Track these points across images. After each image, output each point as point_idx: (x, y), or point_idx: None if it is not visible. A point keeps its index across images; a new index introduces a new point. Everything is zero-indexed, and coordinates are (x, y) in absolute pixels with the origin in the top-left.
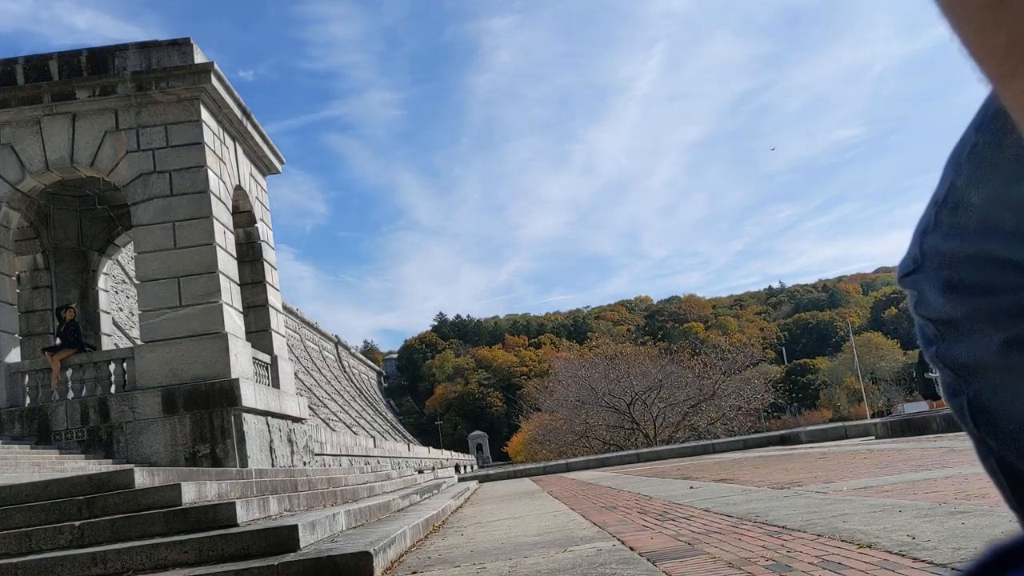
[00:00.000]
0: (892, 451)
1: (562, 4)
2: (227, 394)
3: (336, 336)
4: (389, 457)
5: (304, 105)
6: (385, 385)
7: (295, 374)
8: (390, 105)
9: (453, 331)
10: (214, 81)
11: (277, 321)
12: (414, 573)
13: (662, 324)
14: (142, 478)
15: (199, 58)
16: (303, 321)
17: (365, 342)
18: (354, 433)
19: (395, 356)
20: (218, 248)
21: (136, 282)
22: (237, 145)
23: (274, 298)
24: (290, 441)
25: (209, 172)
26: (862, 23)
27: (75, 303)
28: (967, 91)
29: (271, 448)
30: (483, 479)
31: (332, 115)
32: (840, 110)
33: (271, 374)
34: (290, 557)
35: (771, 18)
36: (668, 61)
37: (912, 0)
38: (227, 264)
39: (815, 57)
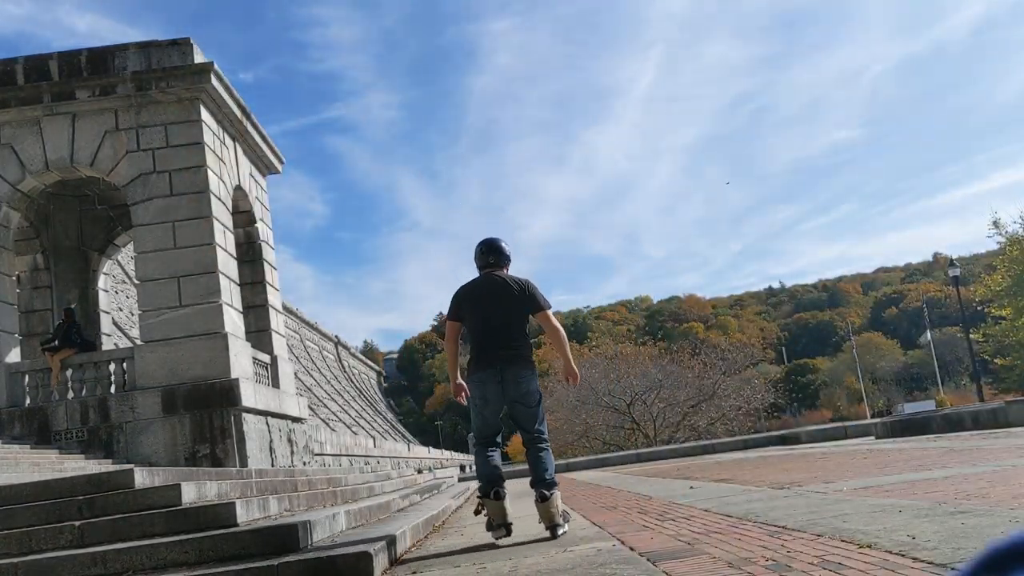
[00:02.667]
0: (892, 451)
1: (560, 7)
2: (227, 394)
3: (336, 336)
4: (389, 457)
5: (304, 107)
6: (385, 385)
7: (295, 374)
8: (390, 107)
9: None
10: (214, 81)
11: (277, 321)
12: (414, 573)
13: (662, 324)
14: (142, 478)
15: (199, 58)
16: (303, 321)
17: (365, 342)
18: (354, 433)
19: (395, 356)
20: (218, 248)
21: (136, 282)
22: (237, 145)
23: (274, 298)
24: (290, 441)
25: (209, 172)
26: (859, 25)
27: (75, 303)
28: (964, 92)
29: (271, 448)
30: None
31: (332, 117)
32: (838, 111)
33: (271, 374)
34: (290, 557)
35: (769, 20)
36: (666, 63)
37: (909, 2)
38: (227, 264)
39: (813, 59)
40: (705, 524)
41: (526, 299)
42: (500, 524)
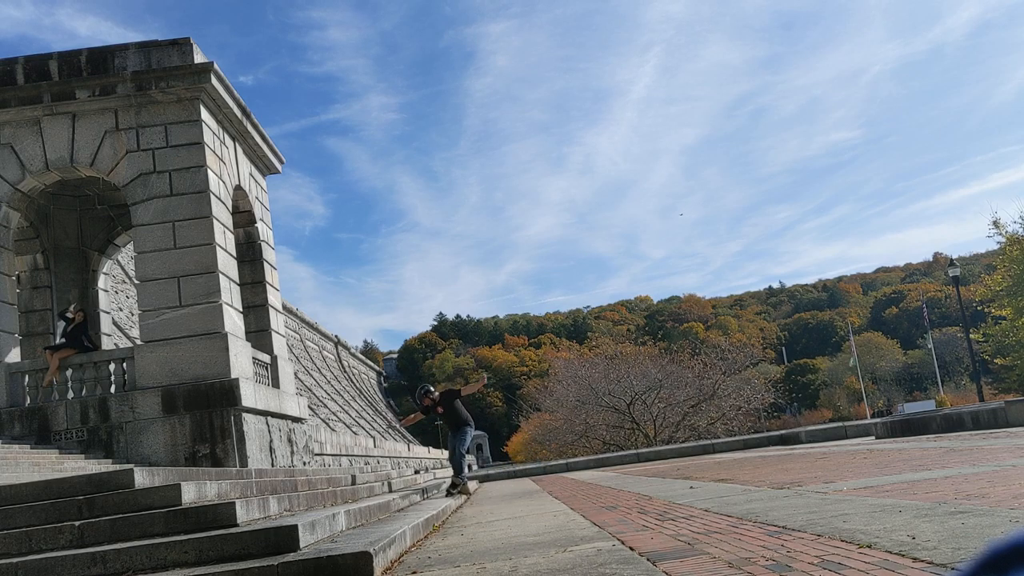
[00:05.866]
0: (892, 451)
1: (558, 9)
2: (227, 394)
3: (336, 336)
4: (389, 457)
5: (303, 109)
6: (385, 385)
7: (295, 374)
8: (389, 109)
9: (453, 331)
10: (214, 81)
11: (277, 321)
12: (414, 573)
13: (662, 324)
14: (142, 478)
15: (199, 58)
16: (303, 321)
17: (365, 342)
18: (354, 433)
19: (395, 356)
20: (218, 248)
21: (136, 282)
22: (237, 145)
23: (274, 298)
24: (290, 441)
25: (209, 172)
26: (857, 26)
27: (75, 303)
28: (962, 93)
29: (271, 448)
30: (483, 479)
31: (331, 118)
32: (836, 112)
33: (271, 374)
34: (290, 557)
35: (766, 22)
36: (664, 65)
37: (906, 3)
38: (227, 264)
39: (811, 60)
40: (705, 524)
41: None
42: (465, 492)
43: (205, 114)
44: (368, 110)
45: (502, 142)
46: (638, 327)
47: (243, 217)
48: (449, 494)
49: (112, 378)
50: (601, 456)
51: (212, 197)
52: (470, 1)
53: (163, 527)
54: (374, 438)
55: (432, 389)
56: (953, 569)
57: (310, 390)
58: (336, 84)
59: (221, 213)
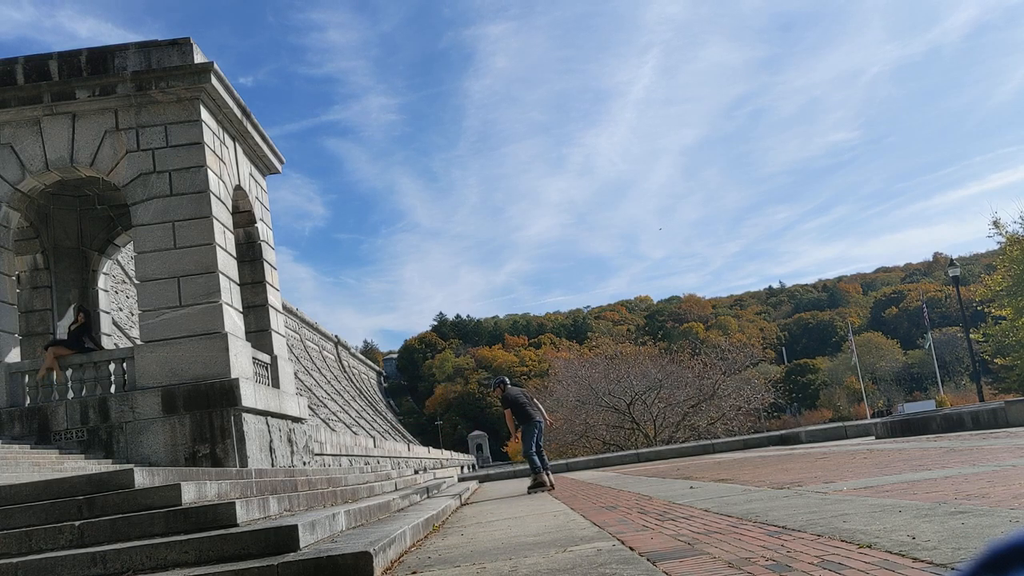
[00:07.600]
0: (892, 451)
1: (557, 11)
2: (227, 394)
3: (336, 336)
4: (389, 457)
5: (303, 110)
6: (385, 385)
7: (295, 374)
8: (388, 110)
9: (453, 331)
10: (214, 81)
11: (277, 321)
12: (414, 573)
13: (662, 324)
14: (142, 478)
15: (199, 58)
16: (303, 321)
17: (365, 342)
18: (354, 433)
19: (395, 356)
20: (218, 248)
21: (136, 282)
22: (237, 145)
23: (274, 298)
24: (290, 441)
25: (209, 172)
26: (855, 28)
27: (76, 303)
28: (960, 94)
29: (271, 448)
30: (483, 479)
31: (331, 120)
32: (835, 113)
33: (271, 374)
34: (290, 557)
35: (765, 23)
36: (663, 66)
37: (904, 5)
38: (227, 264)
39: (809, 61)
40: (705, 524)
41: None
42: (550, 485)
43: (205, 114)
44: (368, 111)
45: (501, 143)
46: (638, 327)
47: (243, 217)
48: (530, 492)
49: (112, 378)
50: (601, 456)
51: (212, 197)
52: (469, 3)
53: (163, 527)
54: (374, 438)
55: (507, 381)
56: (953, 569)
57: (310, 390)
58: (336, 85)
59: (221, 213)
